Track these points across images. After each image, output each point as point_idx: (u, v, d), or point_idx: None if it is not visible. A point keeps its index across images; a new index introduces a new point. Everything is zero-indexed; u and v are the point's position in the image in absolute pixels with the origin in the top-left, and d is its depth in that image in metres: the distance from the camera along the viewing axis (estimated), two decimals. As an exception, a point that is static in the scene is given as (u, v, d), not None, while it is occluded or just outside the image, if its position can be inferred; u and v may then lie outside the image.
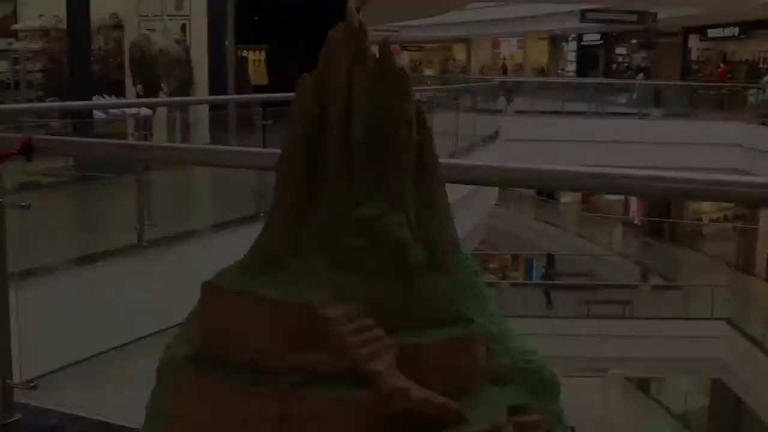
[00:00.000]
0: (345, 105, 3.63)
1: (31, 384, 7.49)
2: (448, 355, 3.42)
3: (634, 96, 45.52)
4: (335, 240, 3.50)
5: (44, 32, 29.12)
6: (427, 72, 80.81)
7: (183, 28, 28.19)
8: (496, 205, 33.25)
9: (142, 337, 10.97)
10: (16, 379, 7.64)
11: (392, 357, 3.30)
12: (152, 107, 21.74)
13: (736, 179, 4.10)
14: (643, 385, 37.45)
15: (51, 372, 9.82)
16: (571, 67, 75.71)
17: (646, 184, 4.48)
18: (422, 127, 3.62)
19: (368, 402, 3.18)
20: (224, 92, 26.04)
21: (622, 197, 54.59)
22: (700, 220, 42.32)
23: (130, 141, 13.70)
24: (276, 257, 3.53)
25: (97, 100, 23.41)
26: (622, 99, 45.62)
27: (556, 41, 80.00)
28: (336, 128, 3.59)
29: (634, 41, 70.26)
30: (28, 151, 6.48)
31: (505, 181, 5.02)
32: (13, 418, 7.21)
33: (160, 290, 11.61)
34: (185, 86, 27.29)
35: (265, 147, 11.78)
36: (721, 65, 59.28)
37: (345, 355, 3.32)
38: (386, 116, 3.63)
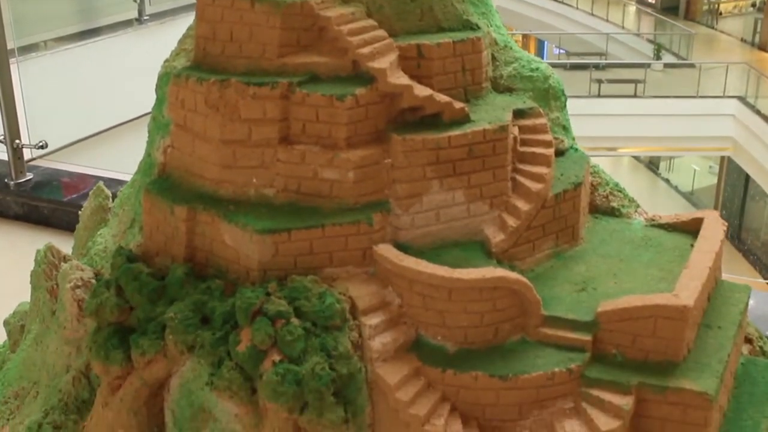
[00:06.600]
0: None
1: (40, 143, 7.57)
2: (452, 57, 3.33)
3: None
4: (333, -59, 3.33)
5: None
6: None
7: None
8: (506, -16, 32.22)
9: (145, 114, 10.89)
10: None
11: (395, 57, 3.22)
12: None
13: None
14: (652, 165, 37.60)
15: (60, 149, 9.83)
16: None
17: None
18: None
19: (370, 99, 3.13)
20: None
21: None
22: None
23: None
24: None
25: None
26: None
27: None
28: None
29: None
30: None
31: None
32: (26, 178, 7.36)
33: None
34: None
35: None
36: None
37: (346, 54, 3.25)
38: None
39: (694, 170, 34.72)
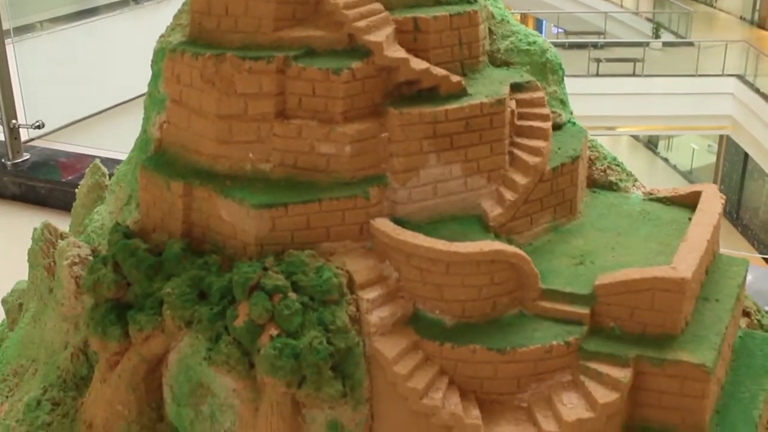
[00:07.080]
0: None
1: (37, 123, 7.55)
2: (449, 30, 3.31)
3: None
4: None
5: None
6: None
7: None
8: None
9: (142, 95, 10.85)
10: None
11: (391, 30, 3.20)
12: None
13: None
14: (651, 144, 37.54)
15: (57, 129, 9.79)
16: None
17: None
18: None
19: (367, 73, 3.12)
20: None
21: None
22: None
23: None
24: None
25: None
26: None
27: None
28: None
29: None
30: None
31: None
32: (23, 158, 7.35)
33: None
34: None
35: None
36: None
37: (342, 28, 3.23)
38: None
39: (693, 149, 34.69)
